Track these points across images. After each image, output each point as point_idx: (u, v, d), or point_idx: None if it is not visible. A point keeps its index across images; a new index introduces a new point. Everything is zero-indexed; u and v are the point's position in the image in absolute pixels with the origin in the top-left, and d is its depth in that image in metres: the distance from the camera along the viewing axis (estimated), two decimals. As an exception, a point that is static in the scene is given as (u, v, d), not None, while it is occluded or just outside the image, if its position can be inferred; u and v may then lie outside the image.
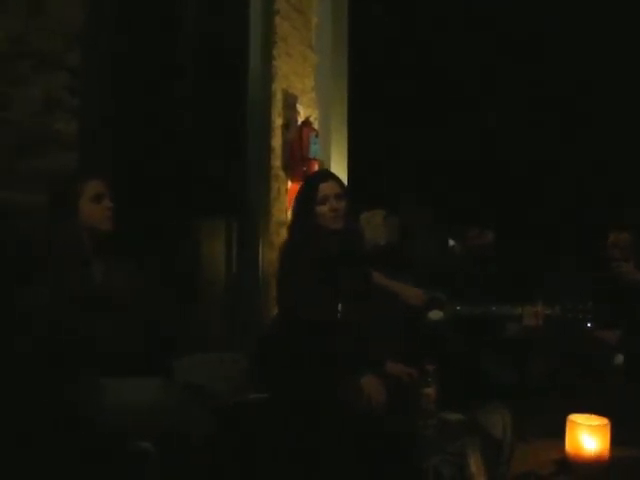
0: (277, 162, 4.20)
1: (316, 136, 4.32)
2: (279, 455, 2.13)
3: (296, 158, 4.25)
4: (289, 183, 4.30)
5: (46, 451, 1.87)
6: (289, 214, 4.24)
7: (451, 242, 3.86)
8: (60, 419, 1.92)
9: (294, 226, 2.63)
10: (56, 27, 2.66)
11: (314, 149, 4.28)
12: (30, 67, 2.56)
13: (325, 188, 2.53)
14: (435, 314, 2.98)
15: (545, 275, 3.74)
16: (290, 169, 4.28)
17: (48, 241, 2.22)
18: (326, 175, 2.67)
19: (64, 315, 2.06)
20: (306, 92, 4.64)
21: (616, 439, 2.82)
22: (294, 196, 2.71)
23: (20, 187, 2.52)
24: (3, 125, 2.46)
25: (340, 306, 2.47)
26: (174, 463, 1.99)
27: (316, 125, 4.55)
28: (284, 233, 4.19)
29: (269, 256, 4.01)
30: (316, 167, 4.30)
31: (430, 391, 2.40)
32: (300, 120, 4.40)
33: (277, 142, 4.20)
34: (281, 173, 4.24)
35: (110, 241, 2.34)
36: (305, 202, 2.55)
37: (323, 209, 2.50)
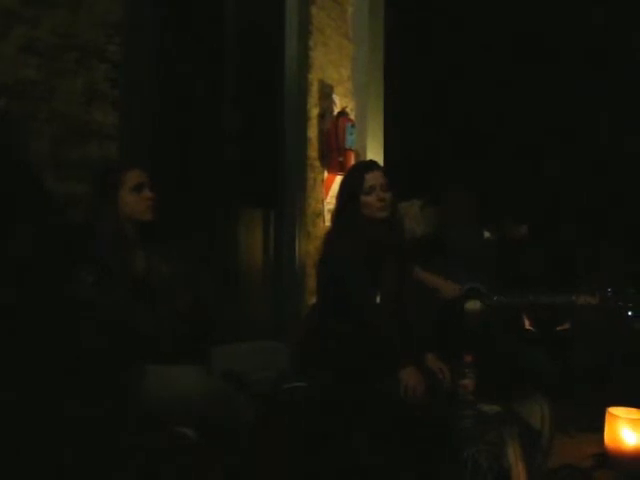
0: (313, 152, 4.21)
1: (352, 126, 4.31)
2: (320, 442, 2.15)
3: (332, 148, 4.25)
4: (325, 173, 4.31)
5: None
6: (325, 204, 4.26)
7: (486, 234, 3.83)
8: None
9: (339, 215, 2.62)
10: (98, 19, 2.70)
11: (350, 139, 4.27)
12: (74, 60, 2.60)
13: (372, 178, 2.53)
14: (473, 304, 2.97)
15: (587, 264, 3.70)
16: (326, 159, 4.29)
17: (90, 231, 2.27)
18: (372, 165, 2.65)
19: (108, 303, 2.11)
20: (342, 82, 4.64)
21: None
22: (339, 185, 2.70)
23: (63, 177, 2.57)
24: (47, 117, 2.50)
25: (379, 296, 2.47)
26: (215, 449, 2.02)
27: (352, 115, 4.54)
28: (320, 223, 4.21)
29: (305, 246, 4.03)
30: (352, 157, 4.30)
31: (467, 382, 2.40)
32: (336, 110, 4.40)
33: (313, 132, 4.21)
34: (317, 163, 4.25)
35: (151, 229, 2.38)
36: (351, 191, 2.55)
37: (370, 199, 2.50)
